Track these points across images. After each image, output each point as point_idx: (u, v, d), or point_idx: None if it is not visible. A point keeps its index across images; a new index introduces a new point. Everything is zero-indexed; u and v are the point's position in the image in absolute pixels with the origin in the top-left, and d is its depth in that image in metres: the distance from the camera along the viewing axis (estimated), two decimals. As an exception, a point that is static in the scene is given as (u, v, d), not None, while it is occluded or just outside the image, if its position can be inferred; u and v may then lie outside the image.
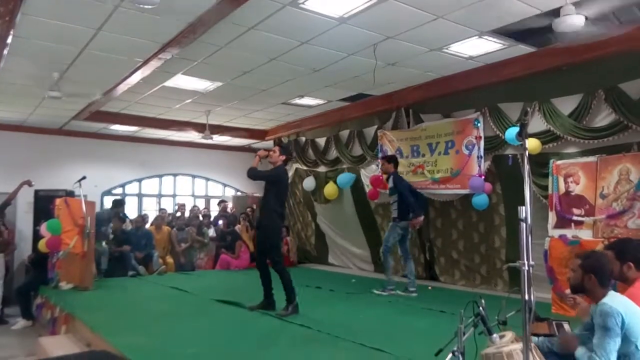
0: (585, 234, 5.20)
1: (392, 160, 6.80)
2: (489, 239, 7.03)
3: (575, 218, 5.33)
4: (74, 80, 6.70)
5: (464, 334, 2.47)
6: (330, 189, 9.21)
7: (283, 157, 5.55)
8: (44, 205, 8.48)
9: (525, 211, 2.25)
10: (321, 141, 9.81)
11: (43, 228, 7.10)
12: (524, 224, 2.23)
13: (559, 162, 5.61)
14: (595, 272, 2.67)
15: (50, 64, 6.06)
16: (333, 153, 9.44)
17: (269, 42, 5.46)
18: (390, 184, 6.69)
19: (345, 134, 9.15)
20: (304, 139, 10.31)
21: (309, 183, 9.80)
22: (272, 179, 5.49)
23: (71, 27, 4.94)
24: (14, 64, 5.99)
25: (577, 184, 5.39)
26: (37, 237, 7.79)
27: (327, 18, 4.84)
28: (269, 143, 11.37)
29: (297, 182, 10.51)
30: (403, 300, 6.14)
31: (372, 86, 7.21)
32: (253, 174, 5.52)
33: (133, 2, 4.11)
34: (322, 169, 9.83)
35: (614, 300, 2.56)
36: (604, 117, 5.53)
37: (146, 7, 4.19)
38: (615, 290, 2.80)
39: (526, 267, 2.21)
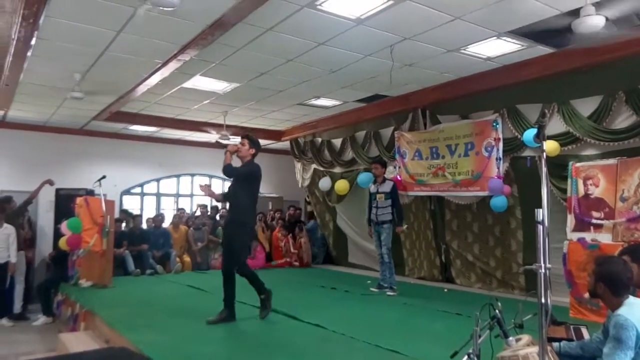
0: (604, 238, 5.12)
1: (385, 165, 7.30)
2: (504, 242, 6.97)
3: (594, 221, 5.25)
4: (95, 81, 6.81)
5: (480, 336, 2.46)
6: (341, 185, 9.23)
7: (253, 151, 5.19)
8: (64, 203, 8.62)
9: (542, 214, 2.23)
10: (337, 142, 9.80)
11: (64, 226, 7.24)
12: (541, 227, 2.22)
13: (578, 164, 5.54)
14: (605, 281, 2.60)
15: (72, 65, 6.17)
16: (349, 154, 9.43)
17: (286, 44, 5.49)
18: (387, 188, 6.86)
19: (361, 135, 9.14)
20: (320, 139, 10.32)
21: (324, 183, 9.82)
22: (248, 175, 5.12)
23: (93, 29, 5.03)
24: (37, 65, 6.11)
25: (597, 186, 5.31)
26: (57, 235, 7.94)
27: (344, 19, 4.85)
28: (285, 144, 11.43)
29: (317, 182, 10.51)
30: (418, 302, 6.12)
31: (388, 87, 7.20)
32: (229, 171, 5.13)
33: (154, 5, 4.17)
34: (337, 169, 9.84)
35: (631, 311, 2.48)
36: (624, 119, 5.45)
37: (166, 9, 4.25)
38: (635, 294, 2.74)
39: (543, 270, 2.19)
